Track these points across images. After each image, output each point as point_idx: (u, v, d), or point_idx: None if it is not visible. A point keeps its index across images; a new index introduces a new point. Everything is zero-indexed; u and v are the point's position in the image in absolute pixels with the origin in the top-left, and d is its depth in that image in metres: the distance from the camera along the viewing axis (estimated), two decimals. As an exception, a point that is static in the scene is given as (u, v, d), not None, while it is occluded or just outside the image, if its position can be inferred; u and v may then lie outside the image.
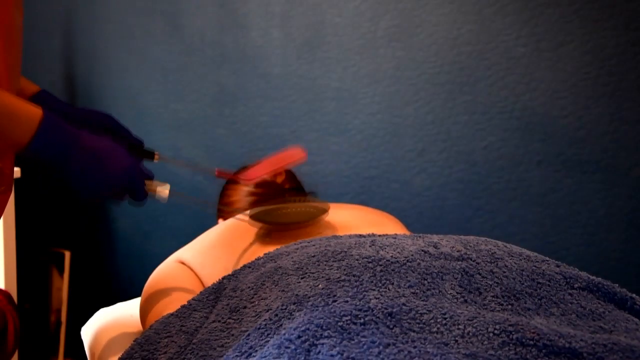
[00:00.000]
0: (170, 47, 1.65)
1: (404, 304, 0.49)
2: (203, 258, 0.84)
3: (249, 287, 0.60)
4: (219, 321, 0.58)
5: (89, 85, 1.91)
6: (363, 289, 0.51)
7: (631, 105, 1.13)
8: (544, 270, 0.58)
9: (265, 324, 0.50)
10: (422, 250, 0.59)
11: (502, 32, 1.23)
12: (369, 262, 0.56)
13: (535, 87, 1.21)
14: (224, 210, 1.06)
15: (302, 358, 0.43)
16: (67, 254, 2.00)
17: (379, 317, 0.47)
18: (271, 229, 0.84)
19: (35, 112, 0.63)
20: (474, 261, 0.58)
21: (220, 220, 1.06)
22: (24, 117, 0.62)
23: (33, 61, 2.03)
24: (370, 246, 0.61)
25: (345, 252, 0.60)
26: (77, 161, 0.65)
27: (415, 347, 0.44)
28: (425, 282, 0.54)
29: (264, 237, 0.80)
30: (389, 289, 0.52)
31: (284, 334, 0.46)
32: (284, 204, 0.88)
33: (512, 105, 1.24)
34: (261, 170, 0.89)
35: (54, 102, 0.82)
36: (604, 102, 1.15)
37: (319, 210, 0.85)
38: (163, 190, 0.76)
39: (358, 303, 0.49)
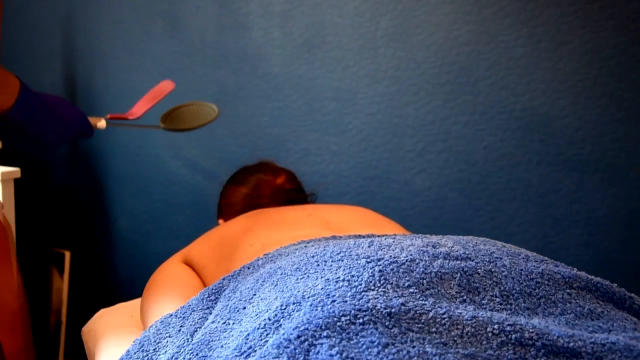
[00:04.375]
0: (170, 47, 1.65)
1: (402, 304, 0.49)
2: (204, 258, 0.84)
3: (248, 288, 0.60)
4: (219, 321, 0.58)
5: (89, 85, 1.91)
6: (362, 289, 0.51)
7: (631, 105, 1.13)
8: (542, 270, 0.58)
9: (265, 324, 0.50)
10: (421, 250, 0.59)
11: (501, 32, 1.23)
12: (368, 263, 0.56)
13: (535, 87, 1.21)
14: (224, 210, 1.06)
15: (302, 358, 0.43)
16: (67, 254, 2.00)
17: (378, 317, 0.47)
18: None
19: (15, 80, 0.77)
20: (472, 261, 0.58)
21: (221, 221, 1.06)
22: (7, 86, 0.76)
23: (33, 61, 2.03)
24: (369, 246, 0.61)
25: (344, 252, 0.60)
26: (44, 117, 0.82)
27: (414, 347, 0.44)
28: (424, 282, 0.54)
29: (265, 237, 0.80)
30: (387, 289, 0.52)
31: (283, 334, 0.46)
32: (178, 106, 1.06)
33: (512, 105, 1.24)
34: (144, 106, 1.02)
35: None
36: (604, 102, 1.15)
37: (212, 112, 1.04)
38: (101, 124, 0.95)
39: (357, 303, 0.49)
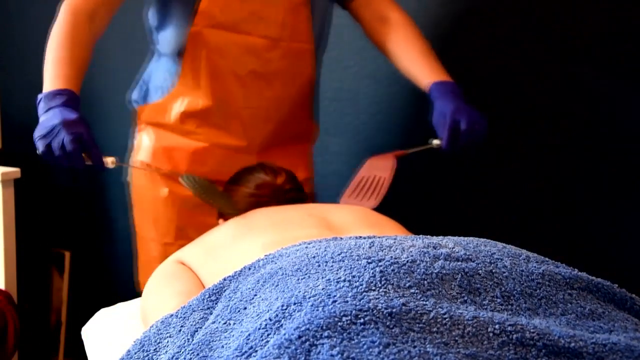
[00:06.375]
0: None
1: (403, 304, 0.49)
2: (203, 258, 0.84)
3: (249, 289, 0.60)
4: (220, 322, 0.58)
5: (89, 85, 1.91)
6: (363, 290, 0.52)
7: None
8: (543, 271, 0.58)
9: (266, 324, 0.50)
10: (422, 252, 0.60)
11: (502, 31, 1.23)
12: (369, 263, 0.56)
13: (532, 87, 1.21)
14: (224, 211, 1.06)
15: (303, 358, 0.43)
16: (67, 254, 2.00)
17: (379, 317, 0.47)
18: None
19: (55, 84, 0.92)
20: (473, 262, 0.59)
21: (221, 221, 1.06)
22: (48, 83, 0.93)
23: (33, 61, 2.03)
24: (370, 247, 0.61)
25: (345, 253, 0.60)
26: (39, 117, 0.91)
27: (415, 346, 0.44)
28: (425, 282, 0.54)
29: (265, 238, 0.80)
30: (388, 290, 0.52)
31: (284, 334, 0.46)
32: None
33: (515, 105, 1.24)
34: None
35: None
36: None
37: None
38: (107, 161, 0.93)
39: (358, 303, 0.49)
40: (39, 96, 0.92)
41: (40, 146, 0.87)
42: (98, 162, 0.90)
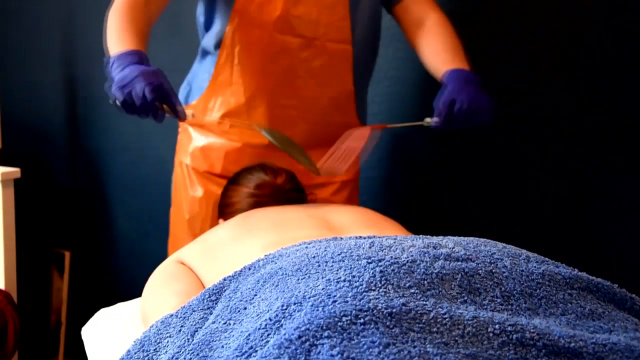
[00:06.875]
0: (170, 47, 1.65)
1: (403, 304, 0.49)
2: (203, 258, 0.84)
3: (249, 289, 0.60)
4: (220, 322, 0.58)
5: (89, 85, 1.91)
6: (363, 290, 0.52)
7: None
8: (543, 271, 0.58)
9: (266, 324, 0.50)
10: (422, 252, 0.60)
11: (502, 30, 1.23)
12: (369, 263, 0.56)
13: (531, 86, 1.21)
14: (225, 210, 1.06)
15: (303, 358, 0.43)
16: (67, 254, 2.00)
17: (379, 317, 0.47)
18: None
19: (124, 48, 0.93)
20: (473, 262, 0.59)
21: (221, 221, 1.07)
22: (117, 48, 0.93)
23: (33, 61, 2.03)
24: (370, 247, 0.61)
25: (345, 253, 0.60)
26: (112, 76, 0.91)
27: (415, 346, 0.44)
28: (425, 282, 0.54)
29: (265, 238, 0.80)
30: (388, 290, 0.52)
31: (284, 334, 0.46)
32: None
33: (514, 103, 1.24)
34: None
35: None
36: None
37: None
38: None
39: (358, 303, 0.49)
40: (111, 58, 0.92)
41: (120, 95, 0.87)
42: (178, 111, 0.91)
